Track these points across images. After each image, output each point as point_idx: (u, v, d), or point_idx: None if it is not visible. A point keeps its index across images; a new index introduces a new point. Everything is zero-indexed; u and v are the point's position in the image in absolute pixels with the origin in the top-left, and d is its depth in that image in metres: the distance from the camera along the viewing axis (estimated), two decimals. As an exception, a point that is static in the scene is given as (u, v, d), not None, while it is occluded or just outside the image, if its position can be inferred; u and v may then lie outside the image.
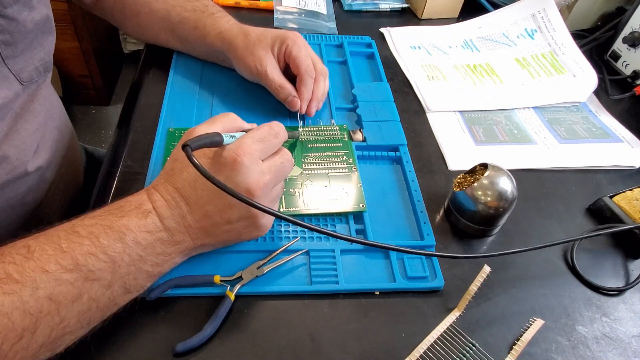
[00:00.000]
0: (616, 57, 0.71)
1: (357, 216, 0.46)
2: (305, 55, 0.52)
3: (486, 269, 0.41)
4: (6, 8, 0.39)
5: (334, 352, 0.37)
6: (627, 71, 0.69)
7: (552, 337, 0.40)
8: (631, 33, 0.68)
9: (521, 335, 0.40)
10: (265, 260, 0.41)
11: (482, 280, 0.40)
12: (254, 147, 0.37)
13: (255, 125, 0.42)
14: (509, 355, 0.38)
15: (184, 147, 0.33)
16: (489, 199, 0.44)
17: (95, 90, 1.69)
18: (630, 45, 0.68)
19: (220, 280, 0.39)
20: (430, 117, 0.60)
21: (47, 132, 0.50)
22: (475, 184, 0.44)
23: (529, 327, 0.40)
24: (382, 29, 0.74)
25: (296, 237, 0.43)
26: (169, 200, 0.36)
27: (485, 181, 0.44)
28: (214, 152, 0.37)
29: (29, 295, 0.29)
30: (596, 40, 0.75)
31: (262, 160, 0.38)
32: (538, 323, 0.40)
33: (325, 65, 0.56)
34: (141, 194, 0.37)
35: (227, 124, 0.39)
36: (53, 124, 0.52)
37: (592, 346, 0.40)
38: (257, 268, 0.40)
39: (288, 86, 0.53)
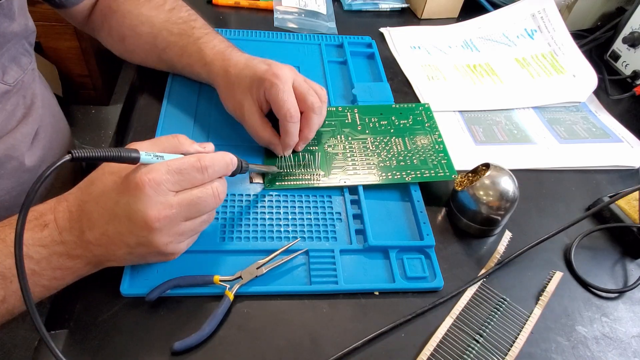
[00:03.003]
0: (616, 57, 0.71)
1: (357, 216, 0.46)
2: (285, 99, 0.45)
3: (507, 234, 0.45)
4: None
5: (334, 352, 0.37)
6: (627, 71, 0.69)
7: (552, 337, 0.40)
8: (631, 33, 0.68)
9: (545, 287, 0.43)
10: (265, 260, 0.41)
11: (505, 244, 0.45)
12: (165, 177, 0.33)
13: (209, 146, 0.39)
14: (537, 306, 0.42)
15: (68, 153, 0.29)
16: (490, 198, 0.44)
17: (95, 90, 1.69)
18: (630, 45, 0.68)
19: (220, 281, 0.39)
20: (430, 117, 0.60)
21: (41, 129, 0.50)
22: (477, 184, 0.44)
23: (550, 280, 0.44)
24: (382, 29, 0.74)
25: (297, 238, 0.43)
26: (73, 212, 0.35)
27: (486, 181, 0.44)
28: (128, 171, 0.34)
29: None
30: (596, 40, 0.75)
31: (176, 192, 0.34)
32: (558, 275, 0.44)
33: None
34: (50, 202, 0.36)
35: (169, 144, 0.36)
36: (47, 121, 0.52)
37: (592, 346, 0.40)
38: (257, 268, 0.40)
39: (266, 135, 0.48)
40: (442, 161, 0.50)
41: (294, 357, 0.37)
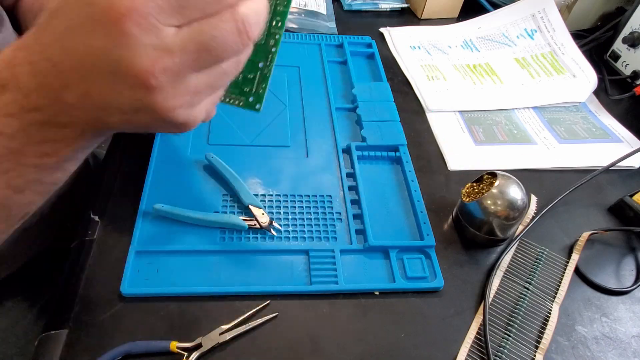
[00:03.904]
0: (616, 57, 0.71)
1: (357, 216, 0.46)
2: None
3: (533, 198, 0.50)
4: None
5: (334, 352, 0.37)
6: (627, 71, 0.69)
7: (551, 336, 0.40)
8: (631, 33, 0.68)
9: (576, 241, 0.47)
10: (229, 326, 0.37)
11: (535, 208, 0.49)
12: (155, 3, 0.21)
13: None
14: (574, 252, 0.46)
15: None
16: (499, 208, 0.43)
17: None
18: (630, 46, 0.68)
19: (178, 348, 0.35)
20: (430, 117, 0.60)
21: None
22: (485, 194, 0.43)
23: (579, 237, 0.47)
24: (381, 29, 0.74)
25: (267, 301, 0.39)
26: (36, 63, 0.24)
27: (495, 191, 0.43)
28: None
29: None
30: (596, 41, 0.75)
31: (177, 27, 0.23)
32: (586, 234, 0.47)
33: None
34: (3, 53, 0.25)
35: None
36: None
37: (592, 346, 0.40)
38: (220, 334, 0.36)
39: None
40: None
41: (294, 357, 0.36)
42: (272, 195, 0.47)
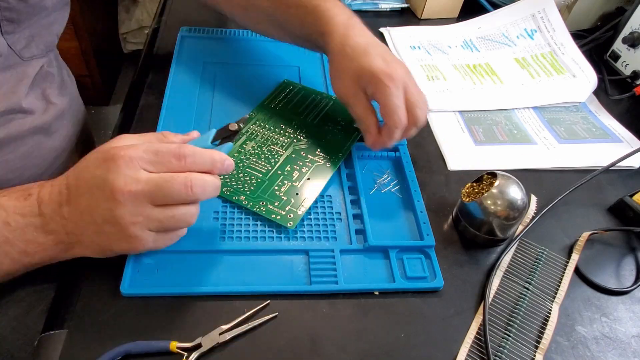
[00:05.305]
0: (616, 57, 0.71)
1: (357, 216, 0.46)
2: (397, 105, 0.44)
3: (533, 198, 0.50)
4: None
5: (334, 352, 0.37)
6: (627, 71, 0.69)
7: (551, 337, 0.40)
8: (631, 33, 0.68)
9: (576, 241, 0.47)
10: (229, 326, 0.37)
11: (535, 208, 0.49)
12: (140, 155, 0.34)
13: (194, 133, 0.41)
14: (574, 252, 0.46)
15: None
16: (499, 208, 0.43)
17: (94, 90, 1.69)
18: (630, 46, 0.68)
19: (177, 348, 0.35)
20: (430, 117, 0.60)
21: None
22: (485, 194, 0.43)
23: (579, 237, 0.47)
24: (381, 29, 0.74)
25: (267, 302, 0.39)
26: (55, 187, 0.36)
27: (495, 191, 0.43)
28: (108, 147, 0.36)
29: None
30: (596, 41, 0.75)
31: (149, 172, 0.34)
32: (586, 234, 0.47)
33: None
34: (42, 182, 0.37)
35: (155, 137, 0.39)
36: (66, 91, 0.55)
37: (592, 346, 0.40)
38: (220, 334, 0.36)
39: (370, 123, 0.47)
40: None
41: (294, 357, 0.37)
42: (272, 195, 0.47)
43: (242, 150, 0.49)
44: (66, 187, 0.36)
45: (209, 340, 0.36)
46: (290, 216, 0.44)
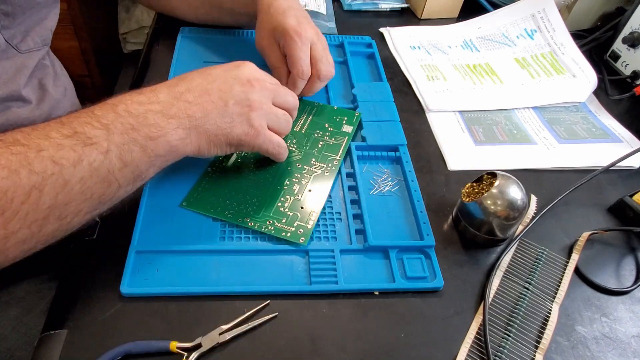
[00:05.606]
0: (616, 57, 0.71)
1: (357, 216, 0.46)
2: (300, 56, 0.51)
3: (533, 198, 0.50)
4: None
5: (334, 352, 0.37)
6: (627, 71, 0.69)
7: (551, 337, 0.40)
8: (631, 33, 0.68)
9: (576, 241, 0.47)
10: (230, 326, 0.37)
11: (534, 208, 0.49)
12: (265, 77, 0.44)
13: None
14: (574, 252, 0.46)
15: None
16: (499, 208, 0.43)
17: (94, 90, 1.69)
18: (629, 46, 0.68)
19: (177, 348, 0.35)
20: (430, 117, 0.60)
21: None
22: (485, 194, 0.43)
23: (578, 237, 0.47)
24: (381, 29, 0.74)
25: (267, 302, 0.39)
26: (170, 82, 0.40)
27: (495, 191, 0.43)
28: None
29: (34, 156, 0.32)
30: (596, 41, 0.75)
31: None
32: (586, 234, 0.47)
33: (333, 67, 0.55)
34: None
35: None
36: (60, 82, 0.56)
37: (592, 346, 0.40)
38: (220, 334, 0.36)
39: (280, 67, 0.54)
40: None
41: (293, 357, 0.37)
42: (272, 195, 0.47)
43: (238, 170, 0.49)
44: (182, 80, 0.40)
45: (209, 340, 0.36)
46: (300, 232, 0.43)
